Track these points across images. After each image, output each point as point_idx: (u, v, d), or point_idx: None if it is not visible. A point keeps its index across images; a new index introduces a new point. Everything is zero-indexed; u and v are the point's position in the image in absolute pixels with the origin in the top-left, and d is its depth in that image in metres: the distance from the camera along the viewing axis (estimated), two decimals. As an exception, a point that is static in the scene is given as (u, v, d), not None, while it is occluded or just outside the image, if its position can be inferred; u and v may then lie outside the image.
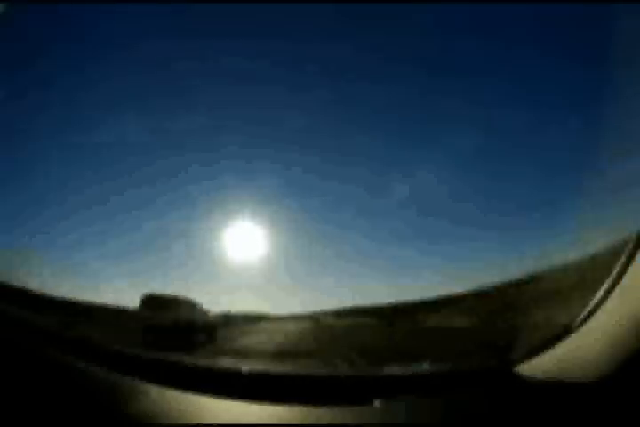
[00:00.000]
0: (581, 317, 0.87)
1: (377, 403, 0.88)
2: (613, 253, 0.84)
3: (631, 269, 0.81)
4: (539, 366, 0.91)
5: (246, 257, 4.49)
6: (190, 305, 4.19)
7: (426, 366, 1.05)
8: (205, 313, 4.29)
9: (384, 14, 3.71)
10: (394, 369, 1.08)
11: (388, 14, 3.70)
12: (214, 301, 4.37)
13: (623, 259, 0.82)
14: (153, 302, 3.88)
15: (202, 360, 1.17)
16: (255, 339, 4.22)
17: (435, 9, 3.55)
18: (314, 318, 4.90)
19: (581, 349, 0.87)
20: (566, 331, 0.89)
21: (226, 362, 1.25)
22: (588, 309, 0.86)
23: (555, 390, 0.85)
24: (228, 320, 4.68)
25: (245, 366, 1.08)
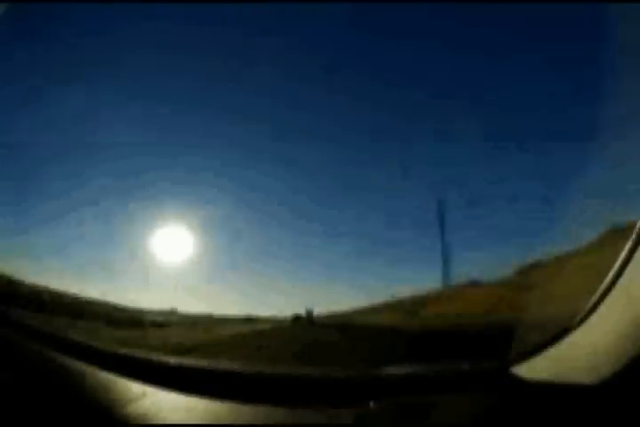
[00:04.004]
0: (581, 315, 0.85)
1: (372, 404, 0.87)
2: (613, 250, 0.82)
3: (631, 266, 0.79)
4: (536, 366, 0.89)
5: (175, 259, 4.45)
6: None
7: (420, 367, 1.04)
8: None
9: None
10: (389, 370, 1.07)
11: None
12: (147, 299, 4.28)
13: (623, 256, 0.80)
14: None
15: (196, 361, 1.17)
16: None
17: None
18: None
19: (581, 348, 0.85)
20: (565, 330, 0.87)
21: (221, 364, 1.24)
22: (588, 307, 0.84)
23: (552, 391, 0.83)
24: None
25: (241, 368, 1.08)
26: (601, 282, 0.83)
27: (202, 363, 1.20)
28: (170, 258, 4.40)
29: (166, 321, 4.50)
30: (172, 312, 4.58)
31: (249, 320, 4.95)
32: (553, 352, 0.88)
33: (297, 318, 4.76)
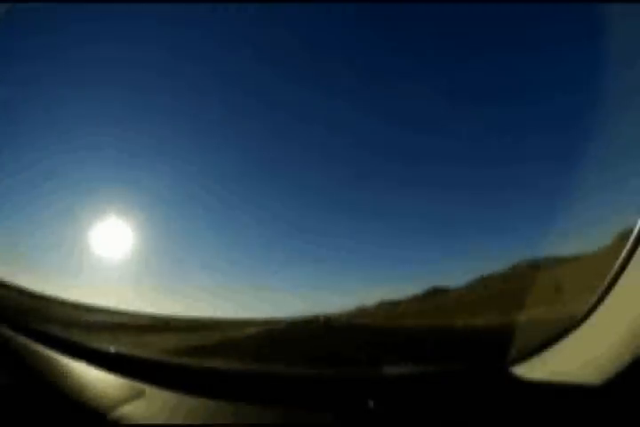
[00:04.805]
0: (581, 315, 0.85)
1: (372, 404, 0.87)
2: (614, 247, 0.82)
3: (631, 266, 0.79)
4: (536, 366, 0.89)
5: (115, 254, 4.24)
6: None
7: (420, 367, 1.04)
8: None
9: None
10: (389, 370, 1.07)
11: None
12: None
13: (624, 253, 0.80)
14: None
15: (195, 361, 1.17)
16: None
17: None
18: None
19: (581, 348, 0.85)
20: (565, 330, 0.87)
21: (221, 363, 1.24)
22: (589, 305, 0.84)
23: (552, 391, 0.83)
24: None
25: (239, 368, 1.08)
26: (601, 282, 0.83)
27: (201, 363, 1.20)
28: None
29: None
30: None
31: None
32: (553, 352, 0.88)
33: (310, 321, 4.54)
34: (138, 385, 0.97)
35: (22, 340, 1.09)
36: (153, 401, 0.93)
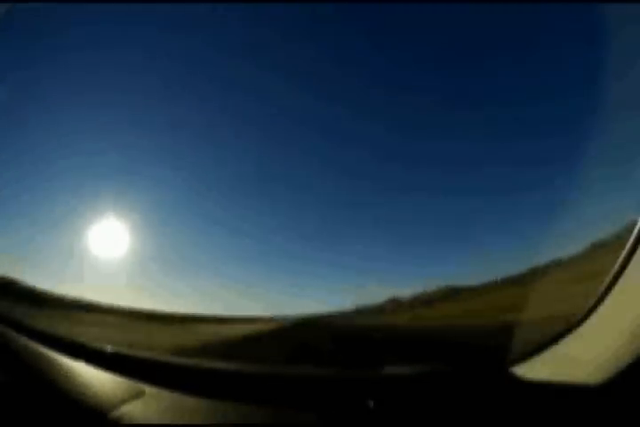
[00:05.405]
0: (581, 315, 0.85)
1: (372, 404, 0.87)
2: (614, 248, 0.82)
3: (631, 266, 0.79)
4: (536, 366, 0.89)
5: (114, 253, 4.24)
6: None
7: (420, 367, 1.03)
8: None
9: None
10: (389, 370, 1.07)
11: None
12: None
13: (624, 254, 0.80)
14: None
15: (195, 361, 1.17)
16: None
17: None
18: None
19: (581, 348, 0.85)
20: (565, 330, 0.87)
21: (220, 363, 1.24)
22: (588, 307, 0.84)
23: (553, 391, 0.83)
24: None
25: (239, 368, 1.08)
26: (601, 282, 0.83)
27: (201, 363, 1.20)
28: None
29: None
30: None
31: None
32: (553, 352, 0.88)
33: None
34: (138, 385, 0.96)
35: (22, 340, 1.08)
36: (153, 401, 0.93)
